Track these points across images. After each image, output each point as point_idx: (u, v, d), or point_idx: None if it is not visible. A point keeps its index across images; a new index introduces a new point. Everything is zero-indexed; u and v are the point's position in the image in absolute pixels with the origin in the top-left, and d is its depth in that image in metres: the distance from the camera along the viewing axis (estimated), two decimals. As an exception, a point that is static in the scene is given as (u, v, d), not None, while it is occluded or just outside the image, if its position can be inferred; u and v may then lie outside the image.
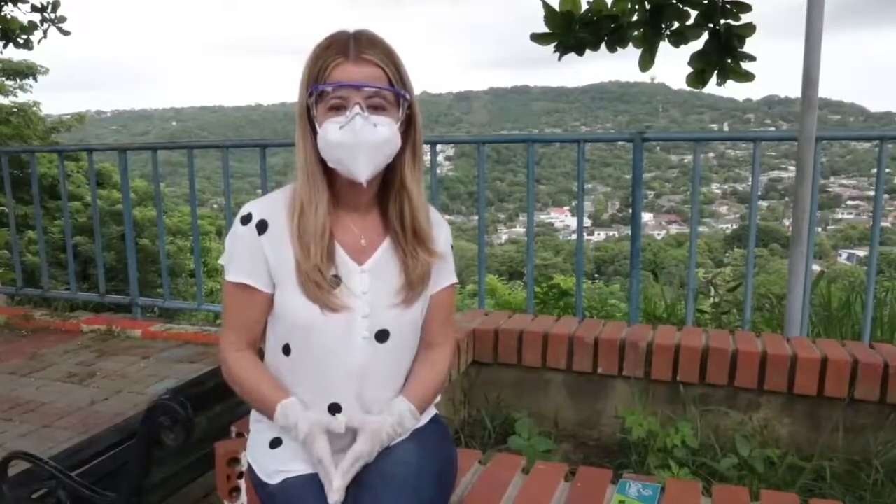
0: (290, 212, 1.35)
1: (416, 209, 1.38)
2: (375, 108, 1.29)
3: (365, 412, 1.35)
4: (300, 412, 1.31)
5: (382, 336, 1.37)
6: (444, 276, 1.47)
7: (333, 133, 1.27)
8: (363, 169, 1.28)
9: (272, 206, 1.37)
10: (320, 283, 1.31)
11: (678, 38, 3.09)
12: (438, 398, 1.52)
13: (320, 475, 1.29)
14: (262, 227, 1.35)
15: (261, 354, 1.44)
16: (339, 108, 1.28)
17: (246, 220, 1.36)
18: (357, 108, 1.27)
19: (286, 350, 1.37)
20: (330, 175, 1.35)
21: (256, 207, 1.37)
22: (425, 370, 1.44)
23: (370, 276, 1.37)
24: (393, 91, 1.30)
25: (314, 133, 1.32)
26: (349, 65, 1.28)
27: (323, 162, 1.32)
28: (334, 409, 1.35)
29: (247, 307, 1.37)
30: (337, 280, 1.34)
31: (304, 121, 1.33)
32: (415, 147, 1.38)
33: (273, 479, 1.35)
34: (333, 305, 1.32)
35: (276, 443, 1.38)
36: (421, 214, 1.39)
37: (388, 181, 1.39)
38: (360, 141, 1.26)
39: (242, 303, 1.37)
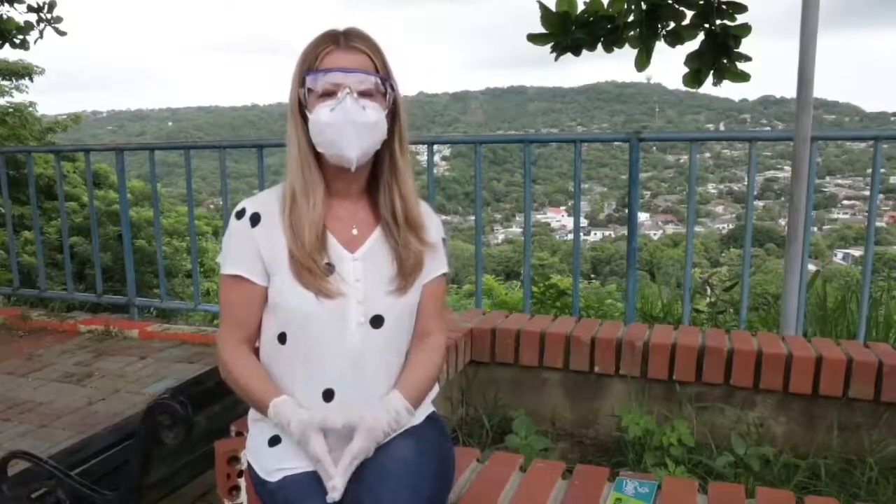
0: (282, 204, 1.39)
1: (407, 197, 1.43)
2: (364, 94, 1.34)
3: (362, 398, 1.37)
4: (292, 412, 1.32)
5: (377, 322, 1.39)
6: (436, 265, 1.50)
7: (325, 115, 1.32)
8: (353, 149, 1.33)
9: (265, 201, 1.42)
10: (313, 270, 1.34)
11: (674, 39, 3.10)
12: (436, 391, 1.53)
13: (319, 472, 1.29)
14: (255, 219, 1.39)
15: (257, 352, 1.45)
16: (330, 94, 1.33)
17: (240, 214, 1.41)
18: (347, 90, 1.32)
19: (282, 338, 1.39)
20: (321, 165, 1.39)
21: (250, 203, 1.42)
22: (419, 363, 1.46)
23: (362, 263, 1.40)
24: (380, 78, 1.36)
25: (306, 126, 1.36)
26: (340, 52, 1.34)
27: (315, 153, 1.37)
28: (328, 394, 1.36)
29: (242, 300, 1.40)
30: (330, 268, 1.37)
31: (296, 115, 1.38)
32: (401, 138, 1.43)
33: (273, 477, 1.36)
34: (328, 292, 1.35)
35: (275, 441, 1.39)
36: (412, 202, 1.44)
37: (377, 173, 1.44)
38: (350, 120, 1.31)
39: (237, 296, 1.40)
